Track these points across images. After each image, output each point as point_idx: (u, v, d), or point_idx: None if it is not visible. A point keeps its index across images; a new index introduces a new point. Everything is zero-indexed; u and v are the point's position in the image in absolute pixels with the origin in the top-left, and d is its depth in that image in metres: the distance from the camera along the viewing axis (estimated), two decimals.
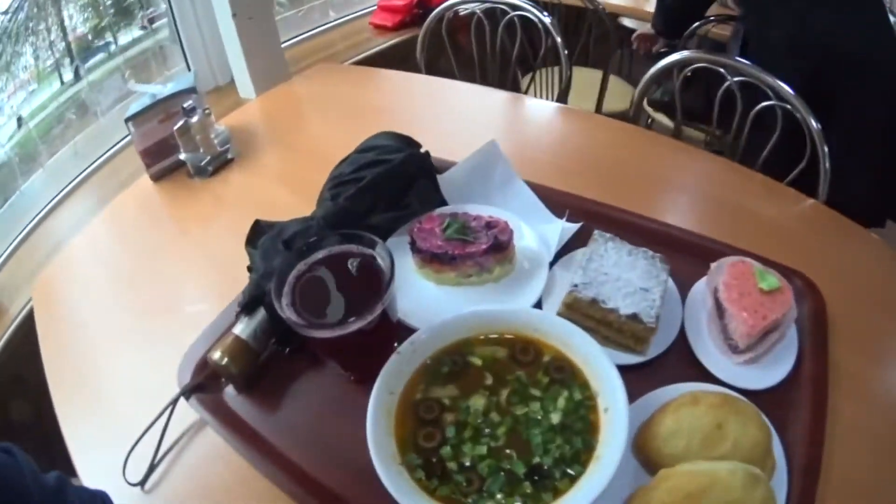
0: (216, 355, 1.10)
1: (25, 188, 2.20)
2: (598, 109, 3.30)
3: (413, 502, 0.87)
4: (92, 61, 2.41)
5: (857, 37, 2.14)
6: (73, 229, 1.86)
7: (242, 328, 1.13)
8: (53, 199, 2.21)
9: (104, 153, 2.38)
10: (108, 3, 2.43)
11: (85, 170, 2.31)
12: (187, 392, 1.12)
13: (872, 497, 1.00)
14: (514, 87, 2.95)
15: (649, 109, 3.13)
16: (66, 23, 2.29)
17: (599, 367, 1.00)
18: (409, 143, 1.44)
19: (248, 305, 1.15)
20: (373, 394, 0.97)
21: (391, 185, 1.34)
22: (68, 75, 2.33)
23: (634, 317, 1.09)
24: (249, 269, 1.24)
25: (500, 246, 1.22)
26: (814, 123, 1.78)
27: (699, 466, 0.91)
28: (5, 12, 2.09)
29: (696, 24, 3.04)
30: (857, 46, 2.13)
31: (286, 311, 1.00)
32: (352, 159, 1.41)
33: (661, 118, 3.11)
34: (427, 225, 1.26)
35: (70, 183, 2.27)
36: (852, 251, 1.42)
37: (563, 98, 2.64)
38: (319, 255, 1.07)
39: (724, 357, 1.14)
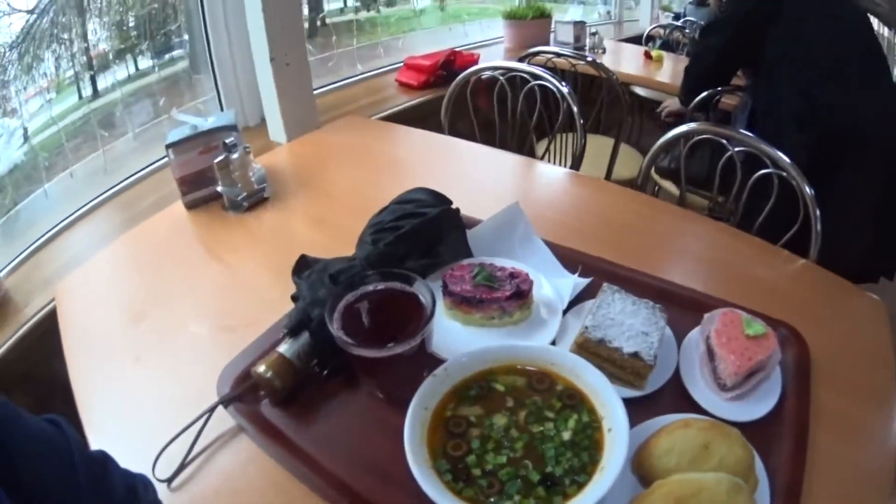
0: (261, 369, 1.20)
1: (50, 192, 2.25)
2: (609, 176, 3.41)
3: (442, 498, 0.99)
4: (112, 80, 2.47)
5: (861, 112, 2.31)
6: (95, 243, 1.94)
7: (287, 348, 1.24)
8: (79, 209, 2.26)
9: (133, 174, 2.45)
10: (132, 24, 2.51)
11: (110, 189, 2.37)
12: (227, 401, 1.21)
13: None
14: (530, 151, 3.09)
15: (656, 177, 3.24)
16: (90, 37, 2.36)
17: (605, 395, 1.15)
18: (442, 200, 1.58)
19: (294, 329, 1.27)
20: (410, 407, 1.10)
21: (426, 236, 1.47)
22: (87, 90, 2.39)
23: (636, 355, 1.23)
24: (294, 298, 1.36)
25: (521, 294, 1.36)
26: (808, 190, 1.93)
27: (689, 477, 1.03)
28: (31, 11, 2.14)
29: (706, 93, 3.15)
30: (860, 121, 2.30)
31: (337, 332, 1.13)
32: (391, 209, 1.54)
33: (668, 185, 3.24)
34: (458, 272, 1.41)
35: (93, 199, 2.32)
36: (839, 304, 1.55)
37: (577, 164, 2.76)
38: (368, 287, 1.22)
39: (714, 394, 1.27)
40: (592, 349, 1.27)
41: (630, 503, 1.05)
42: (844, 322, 1.50)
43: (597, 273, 1.51)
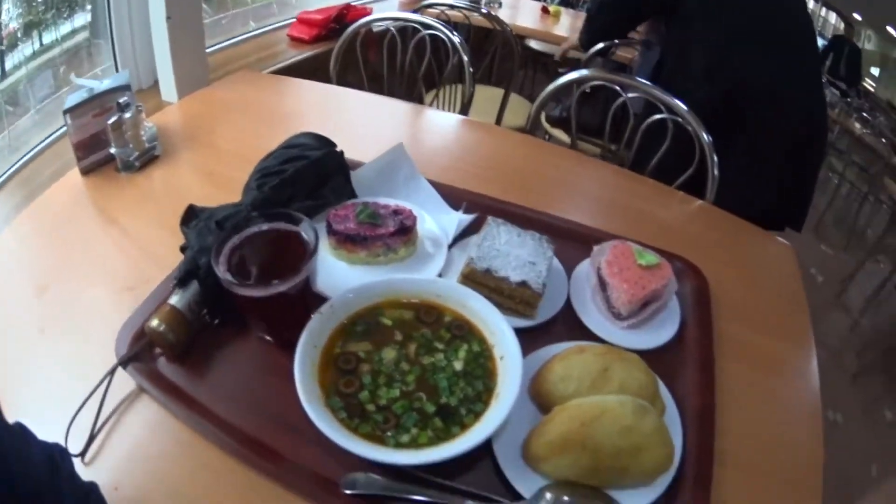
0: (153, 323, 1.18)
1: None
2: (498, 124, 3.41)
3: (339, 436, 0.99)
4: (21, 56, 2.39)
5: (776, 75, 2.33)
6: (2, 225, 1.84)
7: (177, 299, 1.22)
8: None
9: (31, 149, 2.37)
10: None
11: (12, 165, 2.29)
12: (125, 361, 1.18)
13: (760, 436, 1.16)
14: (418, 101, 3.04)
15: (547, 126, 3.29)
16: (3, 17, 2.27)
17: (493, 322, 1.17)
18: (327, 143, 1.58)
19: (183, 279, 1.25)
20: (299, 346, 1.10)
21: (310, 178, 1.47)
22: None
23: (523, 284, 1.25)
24: (182, 248, 1.33)
25: (405, 230, 1.37)
26: (705, 136, 1.97)
27: (590, 399, 1.03)
28: None
29: (602, 45, 3.19)
30: (773, 82, 2.33)
31: (222, 275, 1.11)
32: (277, 154, 1.53)
33: (559, 133, 3.27)
34: (342, 211, 1.41)
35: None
36: (742, 245, 1.60)
37: (464, 112, 2.77)
38: (253, 229, 1.21)
39: (609, 323, 1.31)
40: (479, 280, 1.28)
41: (531, 431, 1.07)
42: (749, 263, 1.56)
43: (483, 209, 1.52)
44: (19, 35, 2.38)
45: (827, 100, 2.45)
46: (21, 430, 0.80)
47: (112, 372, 1.16)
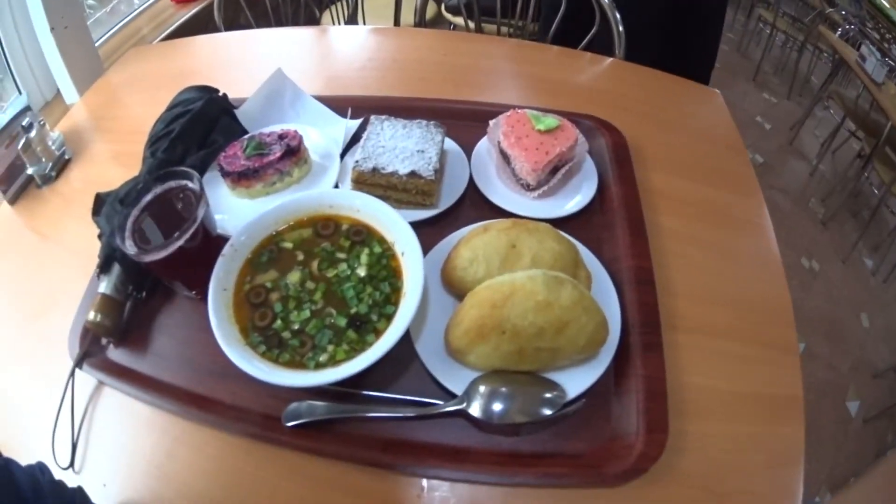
0: (90, 315, 1.20)
1: None
2: (396, 26, 3.30)
3: (260, 372, 0.99)
4: None
5: None
6: None
7: (105, 285, 1.24)
8: None
9: None
10: None
11: None
12: (80, 361, 1.20)
13: (714, 293, 1.14)
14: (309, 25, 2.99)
15: (448, 16, 3.22)
16: None
17: (387, 220, 1.16)
18: (207, 90, 1.57)
19: (104, 265, 1.27)
20: (209, 293, 1.10)
21: (198, 129, 1.46)
22: None
23: (413, 174, 1.24)
24: (99, 236, 1.34)
25: (292, 150, 1.36)
26: None
27: (498, 279, 1.02)
28: None
29: None
30: None
31: (129, 249, 1.12)
32: (162, 118, 1.52)
33: (460, 21, 3.16)
34: (230, 150, 1.40)
35: None
36: (658, 94, 1.55)
37: (352, 22, 2.76)
38: (147, 197, 1.20)
39: (519, 196, 1.28)
40: (369, 181, 1.27)
41: (447, 323, 1.07)
42: (673, 113, 1.51)
43: (371, 110, 1.48)
44: None
45: None
46: (5, 466, 0.86)
47: (72, 375, 1.18)
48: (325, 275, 1.14)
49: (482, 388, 1.00)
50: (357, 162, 1.29)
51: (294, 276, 1.15)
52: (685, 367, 1.05)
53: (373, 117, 1.39)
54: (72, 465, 1.10)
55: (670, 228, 1.23)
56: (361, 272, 1.13)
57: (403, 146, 1.30)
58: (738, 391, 1.05)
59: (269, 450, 1.05)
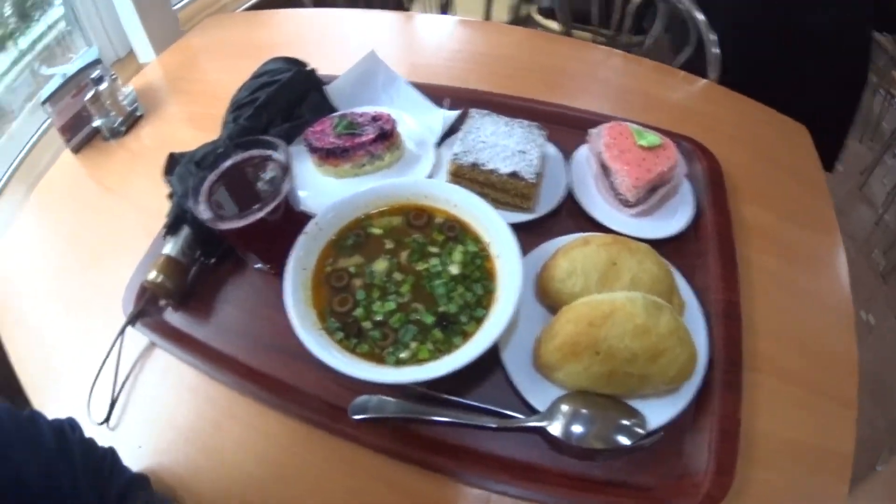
0: (151, 275, 1.17)
1: None
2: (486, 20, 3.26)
3: (336, 360, 0.95)
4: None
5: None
6: (7, 223, 1.82)
7: (171, 247, 1.21)
8: None
9: (21, 148, 2.28)
10: (8, 13, 2.38)
11: (7, 169, 2.21)
12: (132, 319, 1.17)
13: (790, 336, 1.08)
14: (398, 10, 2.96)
15: (538, 18, 3.14)
16: None
17: (485, 219, 1.10)
18: (296, 63, 1.53)
19: (172, 226, 1.23)
20: (287, 271, 1.05)
21: (284, 101, 1.42)
22: None
23: (514, 174, 1.18)
24: (170, 196, 1.30)
25: (385, 134, 1.31)
26: (698, 14, 1.85)
27: (598, 297, 0.96)
28: None
29: None
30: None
31: (202, 213, 1.07)
32: (247, 85, 1.49)
33: (551, 24, 3.12)
34: (319, 127, 1.36)
35: None
36: (754, 126, 1.48)
37: (444, 11, 2.70)
38: (228, 163, 1.16)
39: (616, 211, 1.23)
40: (467, 175, 1.22)
41: (539, 335, 1.01)
42: (763, 144, 1.44)
43: (469, 103, 1.43)
44: None
45: None
46: (31, 416, 0.86)
47: (122, 332, 1.16)
48: (414, 267, 1.09)
49: (564, 408, 0.96)
50: (456, 154, 1.23)
51: (381, 265, 1.10)
52: (754, 408, 1.00)
53: (473, 111, 1.34)
54: (107, 420, 1.08)
55: (753, 262, 1.18)
56: (454, 270, 1.08)
57: (504, 144, 1.24)
58: (796, 439, 1.00)
59: (322, 435, 1.02)
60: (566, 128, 1.39)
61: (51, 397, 1.17)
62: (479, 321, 1.01)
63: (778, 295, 1.14)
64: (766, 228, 1.23)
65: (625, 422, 0.94)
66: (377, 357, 0.99)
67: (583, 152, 1.35)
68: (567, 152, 1.34)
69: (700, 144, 1.33)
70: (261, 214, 1.06)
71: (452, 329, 1.01)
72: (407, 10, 3.22)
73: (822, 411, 1.02)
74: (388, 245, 1.13)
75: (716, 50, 1.84)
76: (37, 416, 0.86)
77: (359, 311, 1.04)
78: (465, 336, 1.00)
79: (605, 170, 1.26)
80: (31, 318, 1.33)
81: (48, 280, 1.41)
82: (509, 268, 1.03)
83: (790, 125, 1.48)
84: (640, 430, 0.94)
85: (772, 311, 1.10)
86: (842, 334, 1.10)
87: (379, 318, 1.03)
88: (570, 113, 1.43)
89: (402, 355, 0.99)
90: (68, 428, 0.89)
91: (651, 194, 1.21)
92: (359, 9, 2.25)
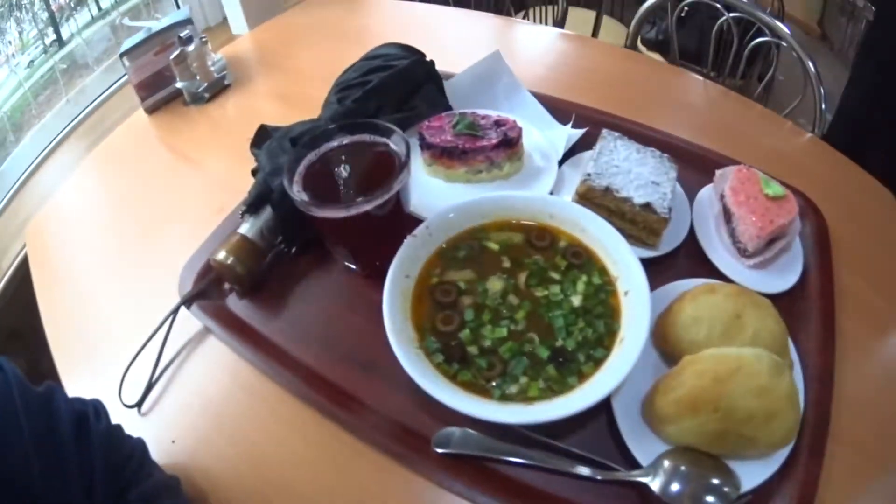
0: (221, 255, 1.08)
1: (21, 146, 2.16)
2: None
3: (434, 386, 0.86)
4: (75, 26, 2.37)
5: None
6: (65, 175, 1.80)
7: (248, 227, 1.11)
8: (42, 151, 2.16)
9: (91, 101, 2.35)
10: None
11: (73, 119, 2.27)
12: (189, 300, 1.10)
13: (873, 410, 1.01)
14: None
15: (643, 49, 3.11)
16: None
17: (616, 251, 1.01)
18: (414, 52, 1.43)
19: (253, 204, 1.14)
20: (388, 276, 0.96)
21: (398, 88, 1.33)
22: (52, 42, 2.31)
23: (648, 206, 1.08)
24: (254, 172, 1.22)
25: (509, 142, 1.21)
26: (810, 64, 1.76)
27: (724, 351, 0.89)
28: None
29: None
30: None
31: (297, 195, 0.98)
32: (358, 66, 1.40)
33: (656, 57, 3.08)
34: (436, 122, 1.26)
35: (59, 134, 2.22)
36: (851, 188, 1.40)
37: (560, 25, 2.64)
38: (332, 144, 1.07)
39: (734, 260, 1.15)
40: (597, 199, 1.12)
41: (656, 383, 0.93)
42: (862, 211, 1.36)
43: (593, 124, 1.36)
44: (72, 5, 2.37)
45: None
46: (48, 393, 0.78)
47: (174, 312, 1.09)
48: (532, 293, 1.00)
49: (666, 464, 0.88)
50: (589, 175, 1.12)
51: (496, 284, 1.00)
52: (828, 477, 0.92)
53: (605, 132, 1.24)
54: (139, 404, 1.03)
55: (850, 332, 1.09)
56: (576, 301, 0.98)
57: (638, 172, 1.15)
58: None
59: (388, 462, 0.93)
60: (689, 164, 1.31)
61: (80, 370, 1.12)
62: (597, 363, 0.93)
63: (867, 367, 1.07)
64: (864, 298, 1.16)
65: (717, 481, 0.88)
66: (480, 388, 0.90)
67: (706, 192, 1.28)
68: (689, 189, 1.28)
69: (812, 202, 1.27)
70: (367, 207, 0.96)
71: (568, 367, 0.92)
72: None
73: (893, 488, 0.97)
74: (505, 263, 1.03)
75: (823, 105, 1.77)
76: (54, 396, 0.78)
77: (465, 334, 0.95)
78: (581, 377, 0.91)
79: (726, 214, 1.19)
80: (70, 282, 1.29)
81: (96, 244, 1.37)
82: (637, 309, 0.94)
83: (882, 192, 1.41)
84: (732, 495, 0.87)
85: (854, 381, 1.04)
86: None
87: (487, 343, 0.94)
88: (694, 150, 1.37)
89: (510, 390, 0.90)
90: (92, 414, 0.82)
91: (769, 247, 1.15)
92: (470, 10, 2.24)
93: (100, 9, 2.45)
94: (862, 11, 3.39)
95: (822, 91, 1.75)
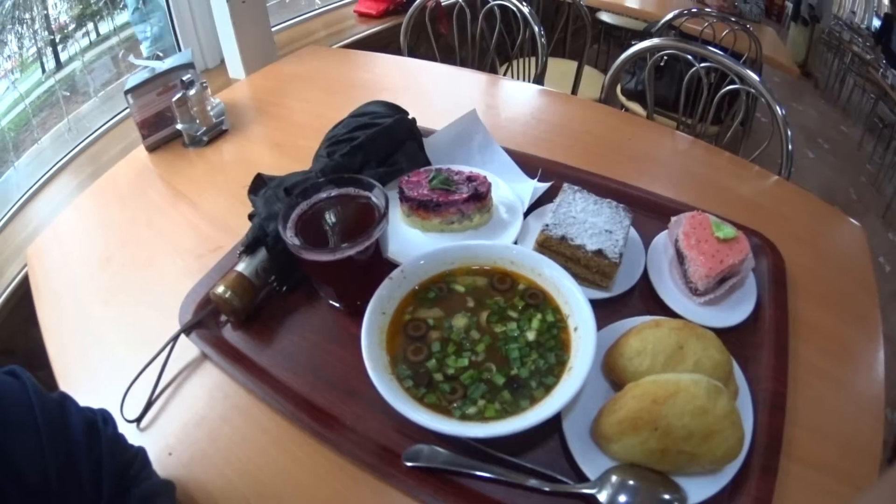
0: (219, 289, 1.17)
1: (18, 165, 2.20)
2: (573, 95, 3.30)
3: (404, 406, 0.96)
4: (75, 48, 2.42)
5: None
6: (64, 202, 1.89)
7: (244, 266, 1.22)
8: (43, 176, 2.20)
9: (92, 132, 2.40)
10: None
11: (74, 148, 2.32)
12: (189, 328, 1.19)
13: (824, 429, 1.08)
14: (491, 73, 2.98)
15: (622, 98, 3.21)
16: (51, 12, 2.30)
17: (568, 292, 1.12)
18: (398, 110, 1.55)
19: (250, 246, 1.24)
20: (367, 312, 1.07)
21: (382, 145, 1.44)
22: (51, 64, 2.34)
23: (600, 252, 1.20)
24: (250, 216, 1.32)
25: (479, 196, 1.32)
26: (778, 109, 1.87)
27: (664, 377, 0.98)
28: None
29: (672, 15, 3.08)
30: None
31: (290, 240, 1.09)
32: (346, 122, 1.51)
33: (634, 107, 3.18)
34: (415, 178, 1.37)
35: (59, 161, 2.26)
36: (816, 223, 1.51)
37: (538, 83, 2.67)
38: (322, 195, 1.18)
39: (686, 298, 1.25)
40: (554, 247, 1.23)
41: (601, 408, 1.02)
42: (822, 242, 1.47)
43: (558, 177, 1.48)
44: (72, 27, 2.43)
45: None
46: (60, 400, 0.83)
47: (175, 338, 1.18)
48: (492, 328, 1.11)
49: (614, 478, 0.96)
50: (547, 226, 1.24)
51: (460, 321, 1.11)
52: (784, 492, 0.99)
53: (566, 185, 1.35)
54: (139, 420, 1.09)
55: (803, 356, 1.18)
56: (530, 336, 1.09)
57: (593, 222, 1.26)
58: None
59: (368, 477, 1.01)
60: (648, 212, 1.42)
61: (82, 389, 1.17)
62: (547, 388, 1.02)
63: (818, 387, 1.15)
64: (817, 325, 1.25)
65: (666, 496, 0.95)
66: (443, 409, 1.00)
67: (661, 239, 1.37)
68: (646, 236, 1.37)
69: (768, 240, 1.36)
70: (350, 252, 1.08)
71: (521, 392, 1.02)
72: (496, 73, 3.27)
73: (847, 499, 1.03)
74: (470, 303, 1.14)
75: (790, 146, 1.87)
76: (67, 402, 0.84)
77: (432, 363, 1.05)
78: (533, 401, 1.01)
79: (679, 257, 1.28)
80: (71, 307, 1.35)
81: (96, 270, 1.43)
82: (585, 343, 1.04)
83: (848, 225, 1.52)
84: None
85: (809, 403, 1.11)
86: (871, 431, 1.11)
87: (451, 371, 1.04)
88: (653, 199, 1.46)
89: (469, 411, 0.99)
90: (101, 420, 0.88)
91: (720, 285, 1.23)
92: (454, 66, 2.30)
93: (98, 34, 2.52)
94: (848, 45, 3.48)
95: (790, 133, 1.85)
